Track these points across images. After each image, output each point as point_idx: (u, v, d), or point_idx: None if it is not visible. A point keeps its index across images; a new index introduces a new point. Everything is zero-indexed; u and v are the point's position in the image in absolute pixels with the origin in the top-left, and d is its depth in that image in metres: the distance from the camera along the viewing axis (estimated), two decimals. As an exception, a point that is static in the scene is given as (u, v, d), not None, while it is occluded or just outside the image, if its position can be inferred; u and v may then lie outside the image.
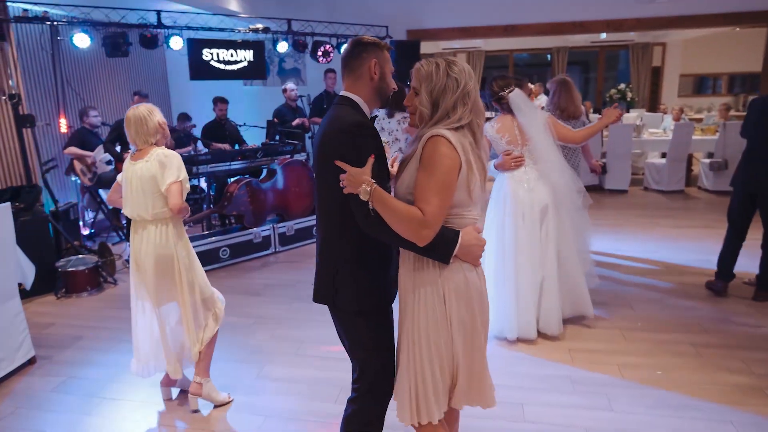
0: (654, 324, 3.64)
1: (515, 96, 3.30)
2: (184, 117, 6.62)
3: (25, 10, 4.89)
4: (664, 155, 8.37)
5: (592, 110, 10.79)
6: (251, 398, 2.90)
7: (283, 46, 6.27)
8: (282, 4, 7.21)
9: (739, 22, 6.94)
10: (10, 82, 4.59)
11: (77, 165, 5.57)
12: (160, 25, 5.27)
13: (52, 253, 4.54)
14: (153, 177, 2.52)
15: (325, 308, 1.86)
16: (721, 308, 3.85)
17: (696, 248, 5.21)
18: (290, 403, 2.85)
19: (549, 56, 13.37)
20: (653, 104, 12.57)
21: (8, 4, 4.70)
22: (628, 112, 10.63)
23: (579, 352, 3.28)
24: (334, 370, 3.10)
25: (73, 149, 5.52)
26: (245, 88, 8.21)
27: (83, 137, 5.57)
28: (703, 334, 3.47)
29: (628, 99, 10.39)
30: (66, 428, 2.69)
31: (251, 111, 7.83)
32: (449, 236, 1.63)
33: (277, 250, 5.52)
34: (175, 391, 2.96)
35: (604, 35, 11.03)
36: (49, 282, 4.41)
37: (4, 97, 4.58)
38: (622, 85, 10.70)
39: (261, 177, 5.68)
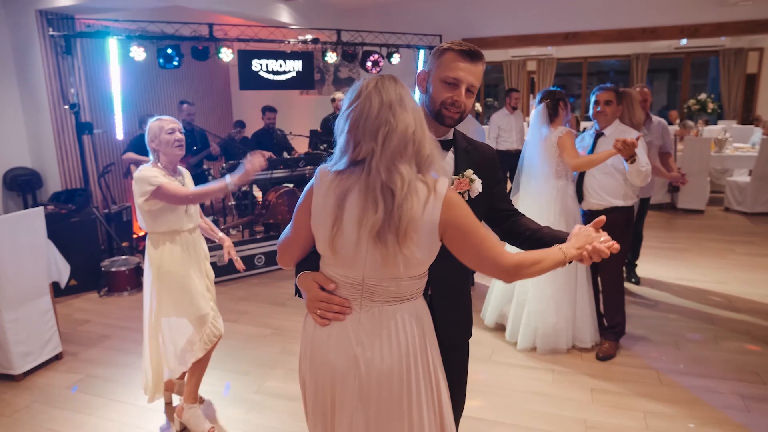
0: (700, 367, 3.22)
1: (534, 112, 3.26)
2: (238, 124, 6.83)
3: (89, 26, 5.25)
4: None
5: (679, 120, 10.00)
6: (246, 414, 2.87)
7: (332, 57, 6.30)
8: (334, 14, 7.27)
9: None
10: (72, 91, 4.92)
11: (134, 169, 5.89)
12: (211, 37, 5.47)
13: (99, 253, 4.80)
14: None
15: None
16: (786, 354, 3.35)
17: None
18: (281, 422, 2.78)
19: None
20: (746, 116, 11.45)
21: (76, 19, 5.06)
22: (707, 124, 9.77)
23: (602, 393, 2.96)
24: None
25: (131, 155, 5.83)
26: (301, 98, 8.36)
27: (141, 143, 5.87)
28: (758, 385, 3.02)
29: (709, 110, 9.50)
30: (69, 427, 2.78)
31: (307, 120, 7.97)
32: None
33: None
34: (176, 398, 2.98)
35: (684, 41, 10.19)
36: (96, 280, 4.66)
37: (66, 106, 4.92)
38: (703, 95, 9.82)
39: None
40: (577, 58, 13.05)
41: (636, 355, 3.38)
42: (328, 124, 6.76)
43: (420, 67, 7.24)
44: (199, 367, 2.66)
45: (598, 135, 3.27)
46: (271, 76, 6.04)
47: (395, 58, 6.79)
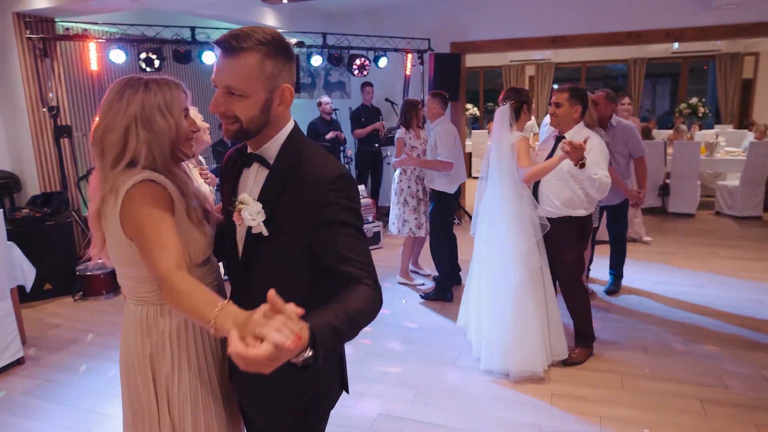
0: (665, 372, 3.18)
1: (498, 111, 3.19)
2: (220, 128, 6.86)
3: (67, 29, 5.29)
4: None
5: (656, 128, 9.95)
6: None
7: (317, 60, 6.31)
8: (320, 18, 7.29)
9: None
10: (50, 95, 4.95)
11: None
12: (193, 40, 5.49)
13: (75, 256, 4.81)
14: None
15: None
16: (755, 360, 3.30)
17: (752, 287, 4.55)
18: None
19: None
20: (743, 120, 11.38)
21: (56, 22, 5.10)
22: (702, 128, 9.72)
23: (562, 398, 2.93)
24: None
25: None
26: (294, 101, 8.37)
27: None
28: (720, 389, 2.98)
29: (700, 114, 9.45)
30: None
31: (300, 123, 7.96)
32: None
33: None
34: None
35: (676, 45, 10.16)
36: (71, 284, 4.67)
37: (44, 109, 4.95)
38: (694, 99, 9.77)
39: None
40: (575, 63, 13.03)
41: (603, 360, 3.35)
42: (314, 128, 6.78)
43: (408, 71, 7.25)
44: None
45: (558, 138, 3.17)
46: (254, 80, 6.05)
47: (383, 62, 6.80)
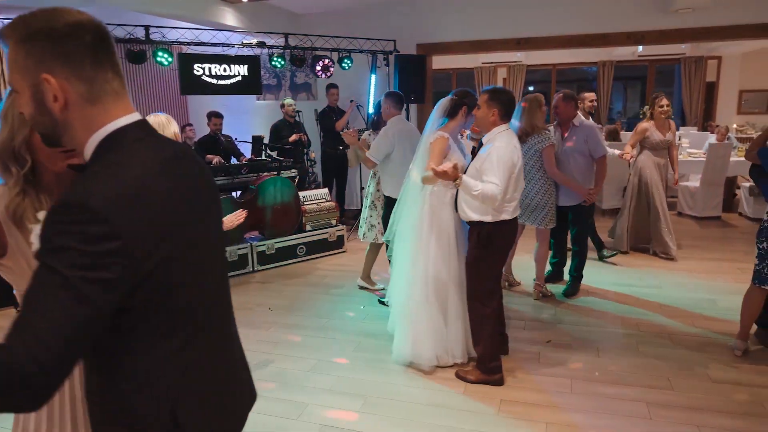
0: (614, 375, 3.18)
1: (438, 104, 3.29)
2: (182, 130, 6.73)
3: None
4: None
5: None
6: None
7: (279, 61, 6.21)
8: (283, 18, 7.19)
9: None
10: (-5, 96, 4.77)
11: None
12: (147, 40, 5.35)
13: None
14: None
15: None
16: (703, 361, 3.32)
17: (706, 287, 4.61)
18: None
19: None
20: (706, 123, 11.62)
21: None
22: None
23: (510, 405, 2.90)
24: None
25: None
26: (259, 103, 8.25)
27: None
28: (667, 391, 2.99)
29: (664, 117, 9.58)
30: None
31: (265, 126, 7.84)
32: None
33: (255, 269, 5.41)
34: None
35: (640, 48, 10.31)
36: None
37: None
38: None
39: (239, 194, 5.61)
40: (546, 65, 13.13)
41: (554, 364, 3.33)
42: (277, 130, 6.68)
43: (374, 72, 7.19)
44: None
45: (480, 144, 3.08)
46: (214, 81, 5.92)
47: (347, 63, 6.74)
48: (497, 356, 3.09)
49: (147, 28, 5.35)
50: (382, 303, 4.34)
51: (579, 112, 4.45)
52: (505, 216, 2.96)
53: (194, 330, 1.05)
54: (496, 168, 2.81)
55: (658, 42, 6.68)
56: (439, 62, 12.36)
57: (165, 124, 2.54)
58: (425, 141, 3.20)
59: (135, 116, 1.04)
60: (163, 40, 5.51)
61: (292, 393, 3.09)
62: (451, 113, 3.20)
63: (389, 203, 4.28)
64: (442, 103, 3.24)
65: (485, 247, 2.98)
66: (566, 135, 4.34)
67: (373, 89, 7.18)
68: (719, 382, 3.07)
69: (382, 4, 7.15)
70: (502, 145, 2.87)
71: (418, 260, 3.24)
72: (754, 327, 3.47)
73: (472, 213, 3.00)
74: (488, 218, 2.95)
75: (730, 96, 11.71)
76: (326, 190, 6.18)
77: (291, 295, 4.71)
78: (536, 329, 3.84)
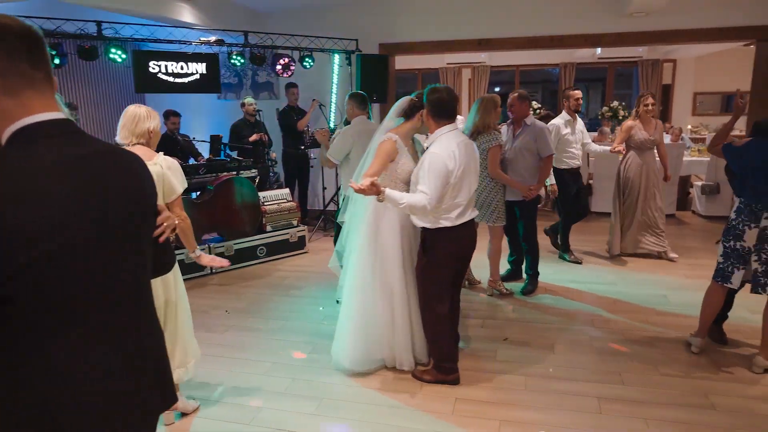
0: (568, 371, 3.22)
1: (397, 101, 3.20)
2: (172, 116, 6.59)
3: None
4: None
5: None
6: None
7: (238, 60, 6.10)
8: (243, 16, 7.08)
9: (725, 38, 6.42)
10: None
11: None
12: (99, 36, 5.18)
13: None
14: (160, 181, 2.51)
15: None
16: (653, 355, 3.40)
17: (659, 282, 4.73)
18: None
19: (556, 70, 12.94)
20: (663, 124, 11.98)
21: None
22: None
23: (465, 403, 2.90)
24: None
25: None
26: (220, 101, 8.10)
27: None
28: (617, 386, 3.04)
29: (620, 117, 9.87)
30: None
31: (226, 124, 7.70)
32: None
33: (213, 271, 5.29)
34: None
35: (599, 50, 10.57)
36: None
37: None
38: (615, 103, 10.21)
39: (197, 195, 5.49)
40: (510, 66, 13.30)
41: (510, 361, 3.36)
42: (237, 129, 6.56)
43: (336, 71, 7.15)
44: None
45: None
46: (171, 79, 5.78)
47: (308, 63, 6.67)
48: (453, 357, 3.08)
49: (99, 23, 5.18)
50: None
51: (563, 112, 4.52)
52: (446, 223, 2.84)
53: (77, 332, 1.03)
54: (426, 176, 2.72)
55: (614, 44, 6.85)
56: (404, 62, 12.42)
57: (142, 117, 2.56)
58: (375, 142, 3.14)
59: (55, 114, 1.06)
60: (117, 36, 5.34)
61: (245, 397, 3.02)
62: (408, 114, 3.11)
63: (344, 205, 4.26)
64: (400, 103, 3.15)
65: (426, 253, 2.93)
66: (518, 133, 4.40)
67: (335, 89, 7.13)
68: (667, 375, 3.15)
69: (345, 3, 7.12)
70: (436, 151, 2.75)
71: (366, 264, 3.15)
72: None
73: (414, 219, 2.96)
74: (428, 225, 2.89)
75: (685, 98, 12.11)
76: (287, 190, 6.10)
77: (249, 297, 4.62)
78: (494, 327, 3.87)
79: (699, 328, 3.43)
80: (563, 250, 5.45)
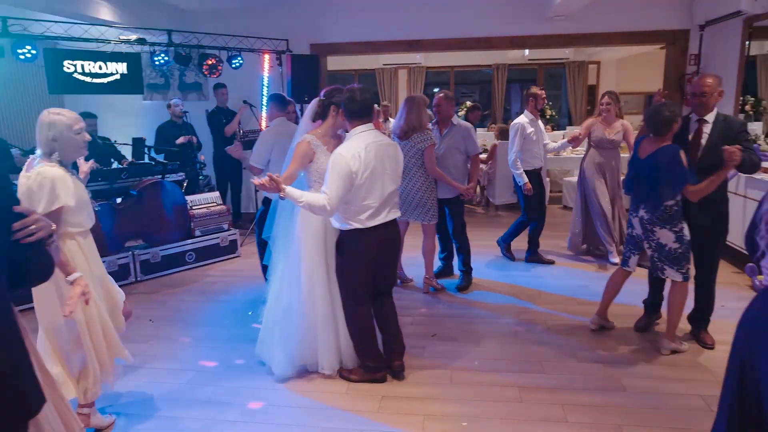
0: (492, 363, 3.31)
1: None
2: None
3: None
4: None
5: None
6: None
7: (161, 59, 5.88)
8: (167, 14, 6.84)
9: (638, 41, 6.83)
10: None
11: None
12: (5, 33, 4.85)
13: None
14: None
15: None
16: (571, 343, 3.55)
17: (582, 274, 4.95)
18: None
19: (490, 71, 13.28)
20: (589, 123, 12.55)
21: None
22: (554, 129, 10.57)
23: (391, 400, 2.92)
24: None
25: None
26: (145, 103, 7.78)
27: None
28: (537, 375, 3.16)
29: (548, 116, 10.29)
30: None
31: (153, 126, 7.41)
32: None
33: (139, 279, 5.08)
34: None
35: (526, 52, 10.96)
36: None
37: None
38: (549, 104, 10.64)
39: (120, 200, 5.24)
40: (445, 67, 13.52)
41: (437, 357, 3.41)
42: (163, 132, 6.33)
43: (266, 72, 7.03)
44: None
45: None
46: (88, 79, 5.49)
47: (237, 63, 6.52)
48: (378, 355, 3.08)
49: (4, 19, 4.85)
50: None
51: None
52: (356, 225, 2.83)
53: None
54: (329, 176, 2.72)
55: (537, 46, 7.12)
56: (341, 63, 12.40)
57: (45, 124, 2.43)
58: (293, 144, 3.11)
59: None
60: (25, 33, 5.02)
61: (166, 408, 2.91)
62: (321, 115, 3.10)
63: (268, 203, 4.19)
64: (311, 106, 3.14)
65: (341, 254, 2.94)
66: (444, 132, 4.48)
67: (266, 90, 7.02)
68: (585, 362, 3.30)
69: (275, 2, 7.01)
70: (341, 151, 2.75)
71: (288, 267, 3.14)
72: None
73: (331, 220, 2.97)
74: (338, 225, 2.91)
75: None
76: (217, 193, 5.94)
77: (175, 304, 4.47)
78: (424, 324, 3.92)
79: (599, 307, 3.68)
80: (532, 253, 5.35)
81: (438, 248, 4.93)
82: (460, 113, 9.18)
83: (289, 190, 2.69)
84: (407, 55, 11.33)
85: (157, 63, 5.89)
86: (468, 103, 8.12)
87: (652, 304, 3.73)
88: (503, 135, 8.69)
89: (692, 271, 3.32)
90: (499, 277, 4.90)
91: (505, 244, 5.50)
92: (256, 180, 2.59)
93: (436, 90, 15.19)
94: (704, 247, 3.35)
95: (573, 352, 3.41)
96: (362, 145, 2.77)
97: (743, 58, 5.82)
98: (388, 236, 2.98)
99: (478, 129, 8.21)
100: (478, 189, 8.79)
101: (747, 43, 5.75)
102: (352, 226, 2.85)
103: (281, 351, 3.12)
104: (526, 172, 5.04)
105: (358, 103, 2.82)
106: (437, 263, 4.95)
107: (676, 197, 3.15)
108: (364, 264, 2.91)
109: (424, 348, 3.52)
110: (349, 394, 2.99)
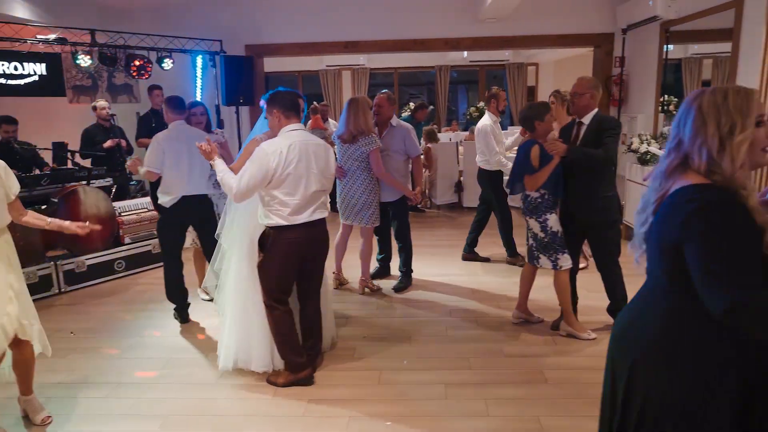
0: (421, 361, 3.34)
1: None
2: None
3: None
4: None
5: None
6: None
7: (84, 60, 5.63)
8: (90, 12, 6.55)
9: (567, 44, 7.08)
10: None
11: None
12: None
13: None
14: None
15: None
16: (498, 338, 3.63)
17: (510, 269, 5.08)
18: None
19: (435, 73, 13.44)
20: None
21: None
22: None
23: (317, 404, 2.90)
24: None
25: None
26: (73, 106, 7.42)
27: None
28: (464, 371, 3.21)
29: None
30: None
31: (81, 130, 7.09)
32: None
33: (62, 290, 4.83)
34: None
35: (465, 54, 11.18)
36: None
37: None
38: (481, 103, 10.88)
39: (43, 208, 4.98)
40: (389, 69, 13.59)
41: (367, 357, 3.41)
42: (89, 135, 6.05)
43: (198, 73, 6.86)
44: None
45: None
46: (3, 81, 5.20)
47: (167, 64, 6.33)
48: (300, 354, 3.06)
49: None
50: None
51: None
52: (279, 220, 2.86)
53: None
54: (247, 164, 2.81)
55: (471, 48, 7.26)
56: (283, 65, 12.27)
57: None
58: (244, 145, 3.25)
59: None
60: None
61: (84, 423, 2.78)
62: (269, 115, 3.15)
63: (159, 210, 4.16)
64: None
65: (262, 251, 2.98)
66: (384, 134, 4.48)
67: (200, 91, 6.85)
68: (511, 356, 3.38)
69: (207, 2, 6.85)
70: (265, 146, 2.82)
71: (229, 266, 3.19)
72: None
73: (258, 215, 3.00)
74: (262, 221, 2.96)
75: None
76: (148, 199, 5.73)
77: (100, 315, 4.28)
78: (356, 325, 3.91)
79: (518, 302, 3.86)
80: (512, 254, 5.31)
81: (378, 249, 4.95)
82: (404, 114, 9.22)
83: (217, 161, 2.92)
84: (350, 56, 11.33)
85: (79, 64, 5.63)
86: (412, 104, 8.18)
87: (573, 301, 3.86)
88: (430, 137, 8.63)
89: (569, 263, 3.48)
90: (437, 277, 4.95)
91: (509, 252, 5.35)
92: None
93: (385, 91, 15.26)
94: (592, 240, 3.57)
95: (501, 348, 3.49)
96: (286, 144, 2.84)
97: (661, 61, 6.13)
98: (313, 236, 2.99)
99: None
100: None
101: (666, 46, 6.07)
102: (275, 221, 2.88)
103: (222, 347, 3.18)
104: (492, 172, 5.10)
105: (286, 105, 2.91)
106: (375, 265, 4.96)
107: (540, 189, 3.42)
108: (285, 261, 2.93)
109: (355, 349, 3.52)
110: (275, 401, 2.94)
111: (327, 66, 13.00)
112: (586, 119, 3.43)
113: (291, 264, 2.94)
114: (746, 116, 1.25)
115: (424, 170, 8.01)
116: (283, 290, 2.97)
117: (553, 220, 3.45)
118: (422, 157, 4.71)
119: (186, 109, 4.02)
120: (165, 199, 3.84)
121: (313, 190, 2.91)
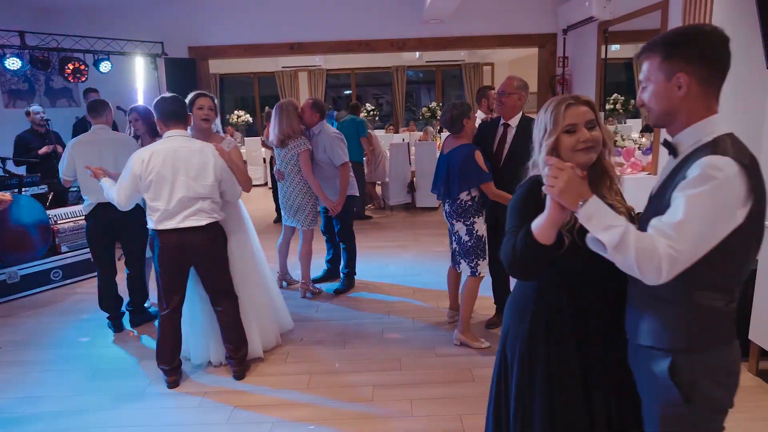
0: (353, 364, 3.35)
1: None
2: None
3: None
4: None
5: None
6: None
7: (14, 63, 5.43)
8: (19, 12, 6.32)
9: (511, 44, 7.21)
10: None
11: None
12: None
13: None
14: None
15: None
16: (434, 337, 3.67)
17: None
18: None
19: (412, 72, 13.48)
20: (484, 121, 13.08)
21: None
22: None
23: (243, 410, 2.87)
24: None
25: None
26: (9, 111, 7.15)
27: None
28: (394, 372, 3.23)
29: (438, 117, 10.65)
30: None
31: (9, 137, 6.83)
32: None
33: (-7, 302, 4.66)
34: None
35: (417, 54, 11.26)
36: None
37: None
38: (433, 104, 10.99)
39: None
40: (345, 70, 13.58)
41: (300, 361, 3.40)
42: (23, 142, 5.84)
43: (138, 76, 6.70)
44: None
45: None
46: None
47: (105, 66, 6.17)
48: (164, 361, 3.10)
49: None
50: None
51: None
52: (150, 225, 2.99)
53: None
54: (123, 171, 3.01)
55: (416, 49, 7.31)
56: (239, 67, 12.12)
57: None
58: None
59: None
60: None
61: (-6, 444, 2.69)
62: None
63: (85, 218, 3.99)
64: None
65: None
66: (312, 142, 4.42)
67: (141, 95, 6.70)
68: (442, 356, 3.42)
69: (146, 3, 6.70)
70: (135, 153, 2.97)
71: None
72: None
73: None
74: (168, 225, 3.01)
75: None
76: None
77: (31, 328, 4.14)
78: (294, 329, 3.88)
79: (450, 302, 3.91)
80: None
81: (326, 251, 4.95)
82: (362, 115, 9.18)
83: (103, 180, 3.15)
84: (306, 57, 11.25)
85: (9, 68, 5.43)
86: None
87: (501, 302, 3.91)
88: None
89: (486, 270, 3.47)
90: (380, 278, 4.97)
91: None
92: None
93: (347, 92, 15.20)
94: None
95: (433, 347, 3.53)
96: (150, 151, 2.92)
97: (601, 60, 6.30)
98: (184, 242, 2.96)
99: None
100: (378, 189, 8.86)
101: (609, 47, 6.23)
102: (150, 225, 3.01)
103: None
104: None
105: (163, 113, 2.99)
106: (324, 267, 4.95)
107: (471, 193, 3.35)
108: (161, 264, 3.01)
109: (288, 354, 3.50)
110: (202, 407, 2.91)
111: (283, 67, 12.91)
112: (513, 122, 3.43)
113: (168, 268, 3.01)
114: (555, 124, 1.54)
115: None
116: (168, 292, 3.04)
117: (479, 224, 3.43)
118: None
119: (104, 114, 3.96)
120: (83, 206, 3.85)
121: (179, 197, 2.91)
